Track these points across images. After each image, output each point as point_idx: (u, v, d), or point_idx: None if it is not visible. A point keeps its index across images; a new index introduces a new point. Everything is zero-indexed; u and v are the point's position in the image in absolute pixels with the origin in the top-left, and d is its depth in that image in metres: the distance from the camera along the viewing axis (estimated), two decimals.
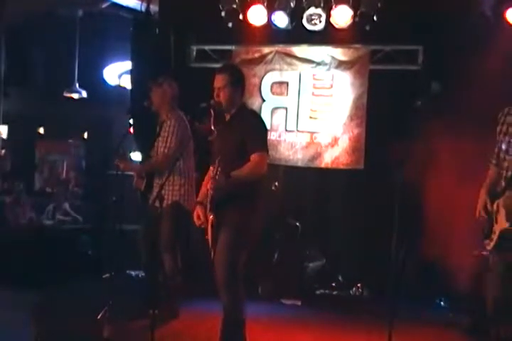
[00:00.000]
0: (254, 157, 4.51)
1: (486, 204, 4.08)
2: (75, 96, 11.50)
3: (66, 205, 10.08)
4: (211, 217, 4.60)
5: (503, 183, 4.01)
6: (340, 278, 7.82)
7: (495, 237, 3.98)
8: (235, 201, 4.53)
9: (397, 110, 7.27)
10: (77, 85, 11.50)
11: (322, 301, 7.37)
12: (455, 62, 6.88)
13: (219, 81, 4.71)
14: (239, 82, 4.73)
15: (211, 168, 4.65)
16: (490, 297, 4.11)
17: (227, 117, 4.75)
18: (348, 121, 7.91)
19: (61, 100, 11.49)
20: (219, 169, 4.42)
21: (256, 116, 4.83)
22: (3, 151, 11.64)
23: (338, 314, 6.72)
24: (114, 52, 11.18)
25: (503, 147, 4.10)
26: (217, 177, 4.44)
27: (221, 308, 4.62)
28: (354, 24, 7.56)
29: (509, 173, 4.01)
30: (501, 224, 3.95)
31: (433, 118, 6.10)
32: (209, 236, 4.63)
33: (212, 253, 4.69)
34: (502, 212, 3.94)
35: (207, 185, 4.67)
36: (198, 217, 4.70)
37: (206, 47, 8.39)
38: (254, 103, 8.07)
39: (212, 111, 4.96)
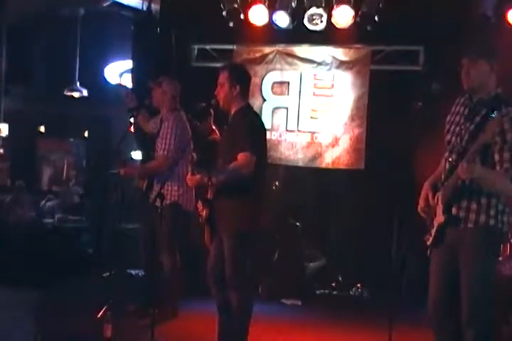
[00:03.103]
0: (239, 156, 4.52)
1: (427, 197, 3.91)
2: (76, 94, 11.50)
3: (66, 206, 10.09)
4: (204, 211, 4.64)
5: (443, 176, 3.88)
6: (340, 278, 7.81)
7: (433, 232, 3.84)
8: (233, 203, 4.55)
9: (398, 111, 7.25)
10: (77, 84, 11.50)
11: (322, 301, 7.37)
12: (456, 63, 6.87)
13: (219, 78, 4.72)
14: (238, 81, 4.67)
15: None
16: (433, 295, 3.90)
17: (229, 117, 4.76)
18: (349, 121, 7.91)
19: (62, 99, 11.49)
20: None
21: (252, 117, 4.76)
22: (1, 150, 11.64)
23: (338, 314, 6.73)
24: (115, 51, 11.19)
25: (446, 138, 3.95)
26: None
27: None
28: (355, 24, 7.54)
29: (447, 165, 3.87)
30: (439, 218, 3.81)
31: (434, 119, 6.09)
32: (205, 233, 4.68)
33: (210, 250, 4.73)
34: (440, 206, 3.81)
35: None
36: (199, 209, 4.77)
37: (207, 47, 8.38)
38: (254, 103, 8.04)
39: (211, 111, 4.98)
